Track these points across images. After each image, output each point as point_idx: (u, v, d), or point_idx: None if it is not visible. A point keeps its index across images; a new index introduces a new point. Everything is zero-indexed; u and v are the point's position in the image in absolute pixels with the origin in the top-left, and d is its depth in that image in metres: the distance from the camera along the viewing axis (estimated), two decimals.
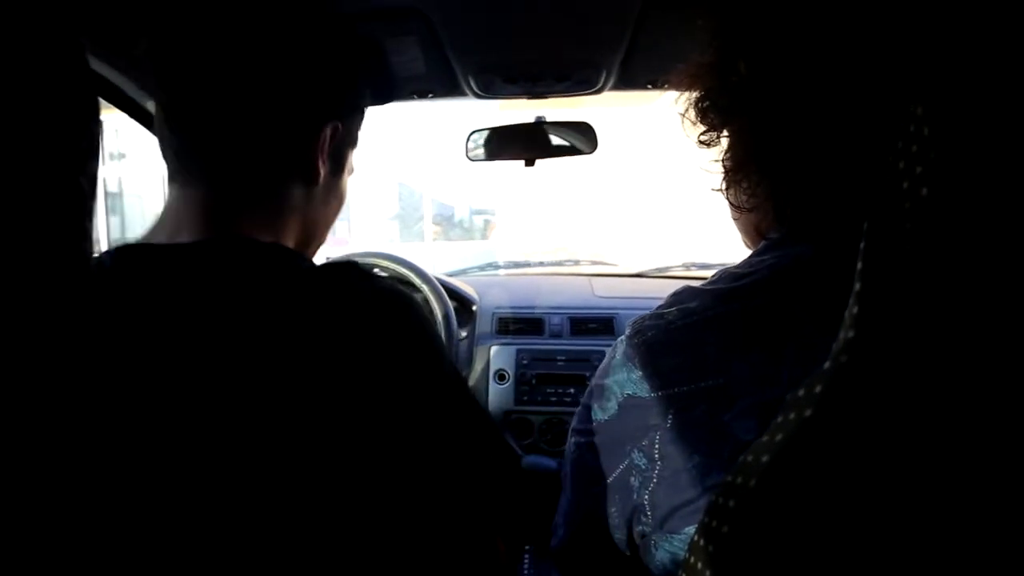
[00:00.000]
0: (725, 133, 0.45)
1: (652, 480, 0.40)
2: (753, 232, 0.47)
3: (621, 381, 0.43)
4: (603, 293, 1.43)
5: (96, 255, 0.39)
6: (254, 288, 0.41)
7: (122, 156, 7.13)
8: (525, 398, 1.22)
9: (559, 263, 1.90)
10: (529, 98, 0.97)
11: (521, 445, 1.23)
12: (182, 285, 0.40)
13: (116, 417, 0.36)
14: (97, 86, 0.37)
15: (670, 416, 0.39)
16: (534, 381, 1.22)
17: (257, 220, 0.46)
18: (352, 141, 0.56)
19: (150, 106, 0.80)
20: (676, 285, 0.47)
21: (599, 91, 0.95)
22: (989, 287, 0.20)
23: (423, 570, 0.44)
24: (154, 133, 0.50)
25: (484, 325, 1.34)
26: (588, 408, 0.47)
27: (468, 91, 0.93)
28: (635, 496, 0.42)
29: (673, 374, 0.39)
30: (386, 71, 0.84)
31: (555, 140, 1.13)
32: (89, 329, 0.35)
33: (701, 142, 0.46)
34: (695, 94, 0.45)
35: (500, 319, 1.34)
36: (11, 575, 0.31)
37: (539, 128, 1.11)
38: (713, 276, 0.44)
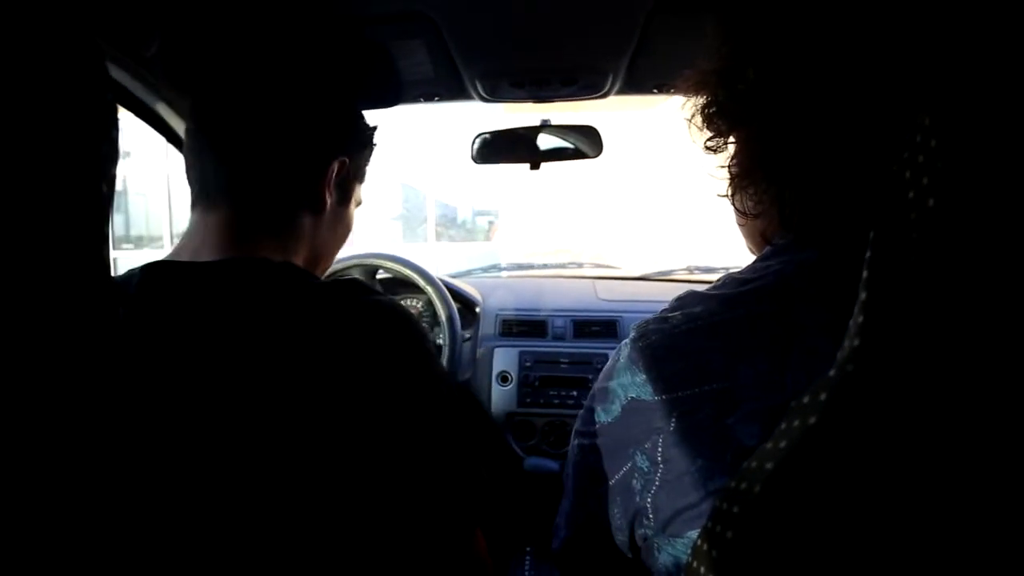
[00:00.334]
0: (732, 139, 0.45)
1: (654, 483, 0.40)
2: (758, 238, 0.47)
3: (625, 384, 0.43)
4: (606, 296, 1.43)
5: (123, 267, 0.43)
6: (270, 302, 0.46)
7: (127, 155, 7.16)
8: (528, 400, 1.22)
9: (562, 265, 1.90)
10: (535, 102, 0.97)
11: (523, 447, 1.23)
12: (206, 299, 0.45)
13: (143, 415, 0.40)
14: (115, 90, 0.37)
15: (673, 419, 0.39)
16: (537, 383, 1.22)
17: (271, 243, 0.53)
18: (360, 176, 0.63)
19: (159, 108, 0.80)
20: (679, 288, 0.47)
21: (605, 95, 0.95)
22: (994, 298, 0.20)
23: (399, 562, 0.46)
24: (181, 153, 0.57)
25: (488, 327, 1.34)
26: (591, 410, 0.47)
27: (475, 95, 0.93)
28: (637, 499, 0.42)
29: (677, 378, 0.40)
30: (393, 74, 0.84)
31: (560, 143, 1.13)
32: (120, 335, 0.36)
33: (707, 148, 0.46)
34: (702, 100, 0.45)
35: (504, 321, 1.34)
36: (21, 572, 0.31)
37: (544, 131, 1.11)
38: (718, 281, 0.44)
